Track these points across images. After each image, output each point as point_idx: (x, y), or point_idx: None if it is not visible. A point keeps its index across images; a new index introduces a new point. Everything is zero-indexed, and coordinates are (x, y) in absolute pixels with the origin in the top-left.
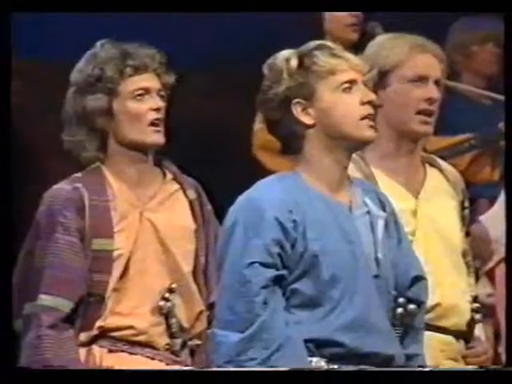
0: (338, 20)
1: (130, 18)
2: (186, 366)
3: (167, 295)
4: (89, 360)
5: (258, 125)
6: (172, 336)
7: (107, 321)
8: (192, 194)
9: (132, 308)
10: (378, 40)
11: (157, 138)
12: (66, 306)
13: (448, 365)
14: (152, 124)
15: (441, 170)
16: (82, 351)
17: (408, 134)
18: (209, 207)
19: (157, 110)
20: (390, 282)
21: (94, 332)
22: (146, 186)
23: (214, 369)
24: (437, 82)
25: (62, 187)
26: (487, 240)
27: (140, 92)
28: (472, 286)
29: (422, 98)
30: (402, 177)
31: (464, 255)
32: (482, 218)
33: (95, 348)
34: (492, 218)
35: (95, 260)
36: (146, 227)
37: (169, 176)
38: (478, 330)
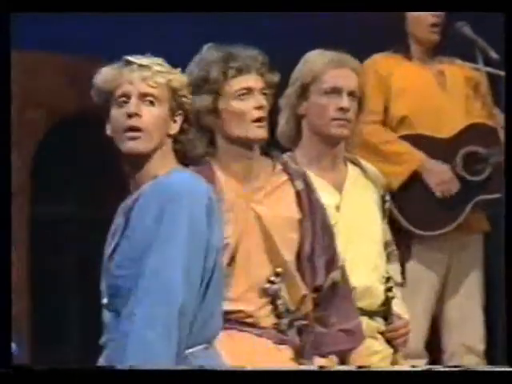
0: (420, 21)
1: (129, 18)
2: (294, 344)
3: (273, 278)
4: None
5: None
6: (279, 316)
7: None
8: (300, 185)
9: (240, 293)
10: (306, 55)
11: (260, 133)
12: None
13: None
14: (255, 121)
15: (361, 168)
16: None
17: (327, 138)
18: (316, 195)
19: (260, 108)
20: None
21: None
22: (253, 179)
23: (220, 369)
24: (351, 93)
25: None
26: None
27: (243, 92)
28: (393, 272)
29: (335, 108)
30: (327, 176)
31: (386, 245)
32: None
33: None
34: None
35: None
36: (250, 218)
37: (278, 167)
38: (397, 307)
